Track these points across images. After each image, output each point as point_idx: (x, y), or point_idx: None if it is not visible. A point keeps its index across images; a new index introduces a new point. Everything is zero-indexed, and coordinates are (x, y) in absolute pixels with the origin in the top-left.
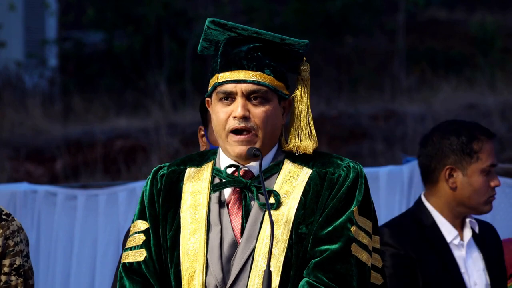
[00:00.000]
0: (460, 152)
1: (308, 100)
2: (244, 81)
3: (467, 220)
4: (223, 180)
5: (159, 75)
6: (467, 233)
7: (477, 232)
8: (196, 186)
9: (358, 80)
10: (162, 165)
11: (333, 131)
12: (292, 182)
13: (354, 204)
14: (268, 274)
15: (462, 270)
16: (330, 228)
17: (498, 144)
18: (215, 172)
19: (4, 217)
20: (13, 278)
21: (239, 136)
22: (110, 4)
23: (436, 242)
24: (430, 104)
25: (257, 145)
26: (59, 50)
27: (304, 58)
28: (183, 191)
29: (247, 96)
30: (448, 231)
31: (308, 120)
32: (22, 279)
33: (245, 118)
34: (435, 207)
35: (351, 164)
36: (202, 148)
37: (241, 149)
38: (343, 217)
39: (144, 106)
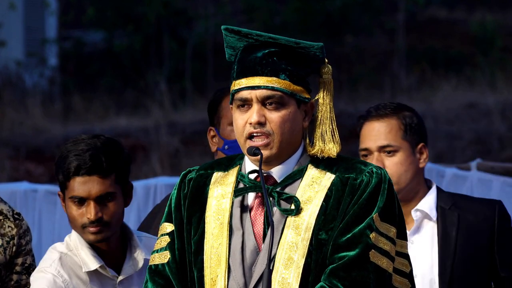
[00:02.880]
0: None
1: (331, 103)
2: (258, 87)
3: (412, 210)
4: (246, 185)
5: (159, 75)
6: (410, 224)
7: (434, 218)
8: (221, 190)
9: (358, 79)
10: (191, 168)
11: None
12: (314, 187)
13: (375, 210)
14: (268, 274)
15: None
16: (349, 235)
17: (498, 143)
18: (240, 177)
19: (16, 216)
20: (24, 277)
21: (255, 142)
22: (110, 4)
23: None
24: (430, 104)
25: (274, 150)
26: (59, 49)
27: (326, 60)
28: (208, 195)
29: (263, 101)
30: None
31: (332, 123)
32: None
33: (260, 123)
34: None
35: (374, 170)
36: (214, 149)
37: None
38: (363, 224)
39: (144, 105)
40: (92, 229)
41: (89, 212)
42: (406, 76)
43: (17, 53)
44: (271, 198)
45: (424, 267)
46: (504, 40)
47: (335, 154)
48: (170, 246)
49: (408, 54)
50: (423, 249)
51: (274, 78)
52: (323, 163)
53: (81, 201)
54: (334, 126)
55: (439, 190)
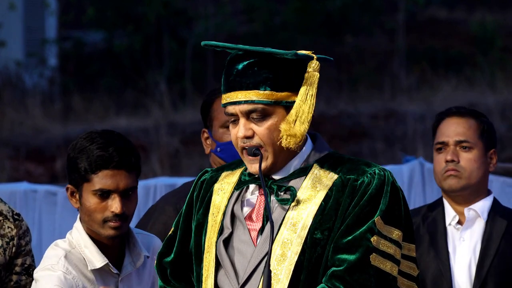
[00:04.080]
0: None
1: (310, 97)
2: (239, 102)
3: (465, 208)
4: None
5: (159, 75)
6: (464, 219)
7: (484, 220)
8: (222, 187)
9: (358, 79)
10: (208, 169)
11: (333, 131)
12: (316, 187)
13: (377, 213)
14: (268, 274)
15: (450, 249)
16: (350, 237)
17: (498, 144)
18: (243, 177)
19: (16, 217)
20: (23, 277)
21: (250, 156)
22: (110, 4)
23: (434, 221)
24: (430, 104)
25: (269, 160)
26: (59, 49)
27: (315, 56)
28: (213, 193)
29: (247, 115)
30: (448, 213)
31: (301, 116)
32: (31, 279)
33: (247, 137)
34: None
35: (377, 171)
36: (207, 151)
37: (255, 167)
38: (364, 227)
39: (144, 105)
40: (113, 224)
41: (115, 205)
42: (406, 76)
43: (17, 53)
44: (270, 193)
45: (467, 262)
46: (504, 40)
47: (288, 145)
48: (172, 246)
49: (408, 54)
50: (471, 245)
51: (255, 91)
52: (328, 163)
53: (104, 195)
54: (303, 118)
55: (495, 199)
